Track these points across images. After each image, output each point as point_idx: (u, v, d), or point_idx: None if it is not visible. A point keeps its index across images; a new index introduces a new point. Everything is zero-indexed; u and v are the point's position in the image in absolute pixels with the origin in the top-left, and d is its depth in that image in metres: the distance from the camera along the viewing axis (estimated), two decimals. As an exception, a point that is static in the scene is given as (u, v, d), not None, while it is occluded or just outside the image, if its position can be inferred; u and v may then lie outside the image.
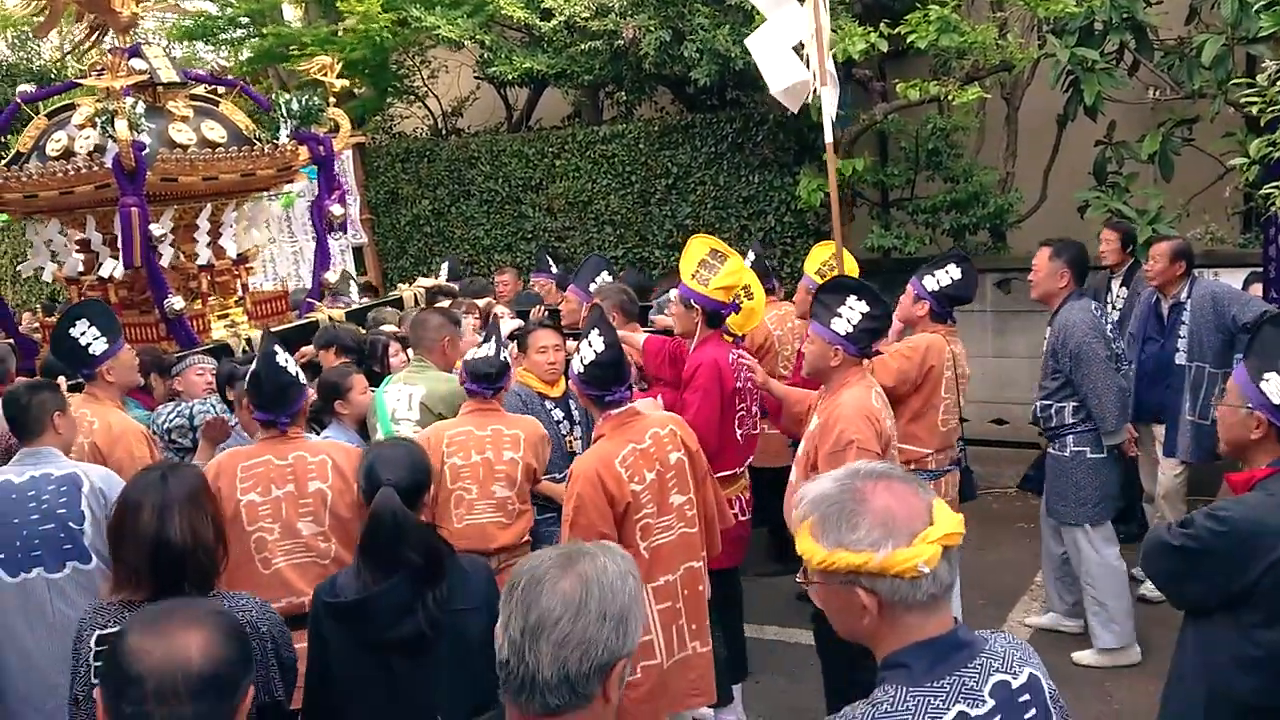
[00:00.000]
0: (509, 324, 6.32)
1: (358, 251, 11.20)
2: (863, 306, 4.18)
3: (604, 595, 1.77)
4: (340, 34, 10.30)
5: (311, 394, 4.49)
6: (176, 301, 6.12)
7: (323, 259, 7.60)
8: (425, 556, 2.87)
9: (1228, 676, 3.00)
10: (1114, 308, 6.91)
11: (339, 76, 7.43)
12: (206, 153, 6.26)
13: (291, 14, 12.24)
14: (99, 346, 4.77)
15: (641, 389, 5.34)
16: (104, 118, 5.76)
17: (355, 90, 10.71)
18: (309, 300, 7.34)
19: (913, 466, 5.00)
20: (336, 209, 7.41)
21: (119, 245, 5.94)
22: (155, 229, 5.98)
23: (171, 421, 5.22)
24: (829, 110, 5.72)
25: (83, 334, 4.77)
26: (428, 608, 2.83)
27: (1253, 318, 5.61)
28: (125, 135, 5.66)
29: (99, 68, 6.24)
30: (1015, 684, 1.88)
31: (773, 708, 5.26)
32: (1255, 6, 6.71)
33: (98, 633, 2.75)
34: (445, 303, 6.74)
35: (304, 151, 7.01)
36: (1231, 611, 2.98)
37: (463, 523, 4.37)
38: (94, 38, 6.76)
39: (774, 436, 5.99)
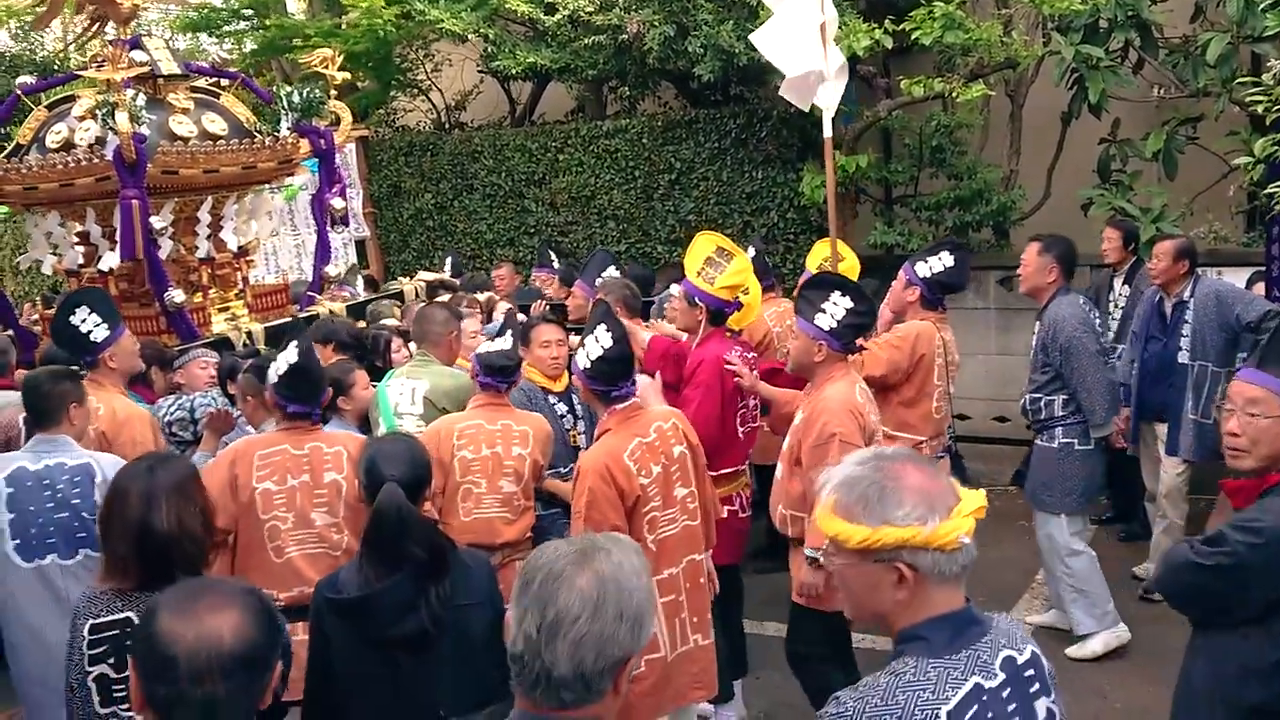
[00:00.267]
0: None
1: (360, 245, 11.18)
2: (846, 303, 4.17)
3: (621, 594, 1.79)
4: (344, 27, 10.28)
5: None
6: (177, 294, 6.10)
7: (323, 252, 7.58)
8: (428, 552, 2.86)
9: (1237, 685, 2.95)
10: (1116, 306, 6.90)
11: (341, 69, 7.41)
12: (207, 145, 6.24)
13: (295, 6, 12.20)
14: (100, 333, 4.78)
15: None
16: (104, 110, 5.73)
17: (358, 83, 10.70)
18: (310, 294, 7.32)
19: (907, 453, 5.00)
20: (338, 202, 7.39)
21: (119, 238, 5.92)
22: (156, 221, 5.96)
23: (172, 414, 5.21)
24: (830, 104, 5.71)
25: (83, 321, 4.78)
26: (431, 604, 2.83)
27: (1256, 317, 5.61)
28: (126, 127, 5.64)
29: (99, 60, 6.22)
30: (1020, 660, 1.99)
31: (772, 703, 5.24)
32: (1261, 5, 6.68)
33: (91, 621, 2.77)
34: (446, 297, 6.73)
35: (305, 144, 6.99)
36: (1261, 623, 2.90)
37: (470, 516, 4.35)
38: (95, 29, 6.73)
39: (769, 434, 5.98)
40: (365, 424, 5.01)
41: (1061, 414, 5.44)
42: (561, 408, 5.16)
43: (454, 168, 10.98)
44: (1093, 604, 5.49)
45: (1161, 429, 6.14)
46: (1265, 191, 5.63)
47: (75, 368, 4.59)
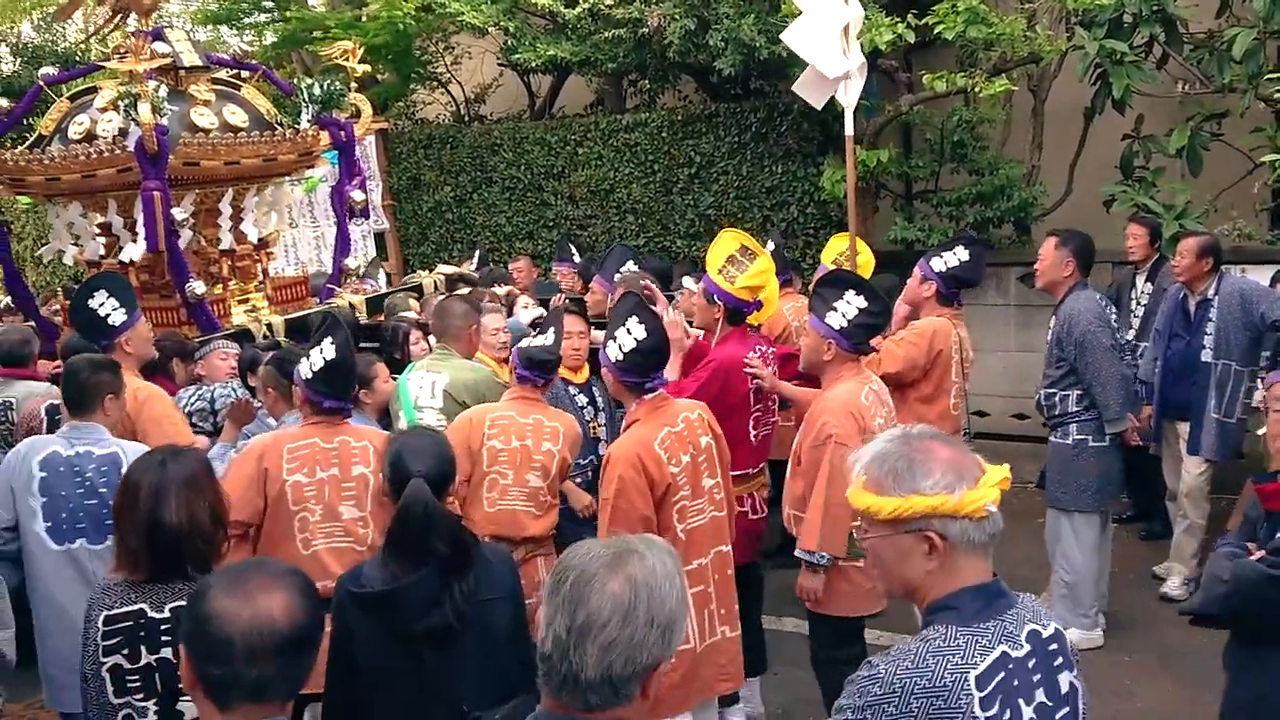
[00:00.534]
0: (530, 312, 6.30)
1: (379, 237, 11.20)
2: (860, 302, 4.14)
3: (652, 600, 1.78)
4: (364, 19, 10.28)
5: None
6: (198, 286, 6.11)
7: (343, 244, 7.59)
8: (452, 548, 2.86)
9: None
10: (1139, 303, 6.86)
11: (361, 62, 7.41)
12: (228, 137, 6.25)
13: (315, -1, 12.26)
14: (118, 317, 4.87)
15: None
16: (127, 101, 5.75)
17: (378, 76, 10.71)
18: (329, 286, 7.33)
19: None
20: (358, 195, 7.39)
21: (139, 229, 5.94)
22: (177, 213, 5.97)
23: (193, 405, 5.23)
24: (850, 102, 5.69)
25: (101, 305, 4.87)
26: (455, 599, 2.82)
27: (1281, 316, 5.59)
28: (148, 119, 5.65)
29: (122, 51, 6.23)
30: (1045, 634, 2.06)
31: (791, 699, 5.23)
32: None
33: (105, 612, 2.77)
34: (465, 290, 6.72)
35: (325, 137, 6.99)
36: None
37: (495, 507, 4.35)
38: (116, 21, 6.74)
39: (790, 429, 5.94)
40: (385, 416, 5.02)
41: (1075, 409, 5.44)
42: (582, 399, 5.17)
43: (473, 161, 10.98)
44: (1077, 603, 5.54)
45: (1183, 428, 6.11)
46: (1290, 189, 5.58)
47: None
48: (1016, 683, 1.97)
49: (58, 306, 7.53)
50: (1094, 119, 8.22)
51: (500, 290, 7.04)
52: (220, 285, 6.58)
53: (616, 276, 6.45)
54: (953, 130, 8.73)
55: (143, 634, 2.74)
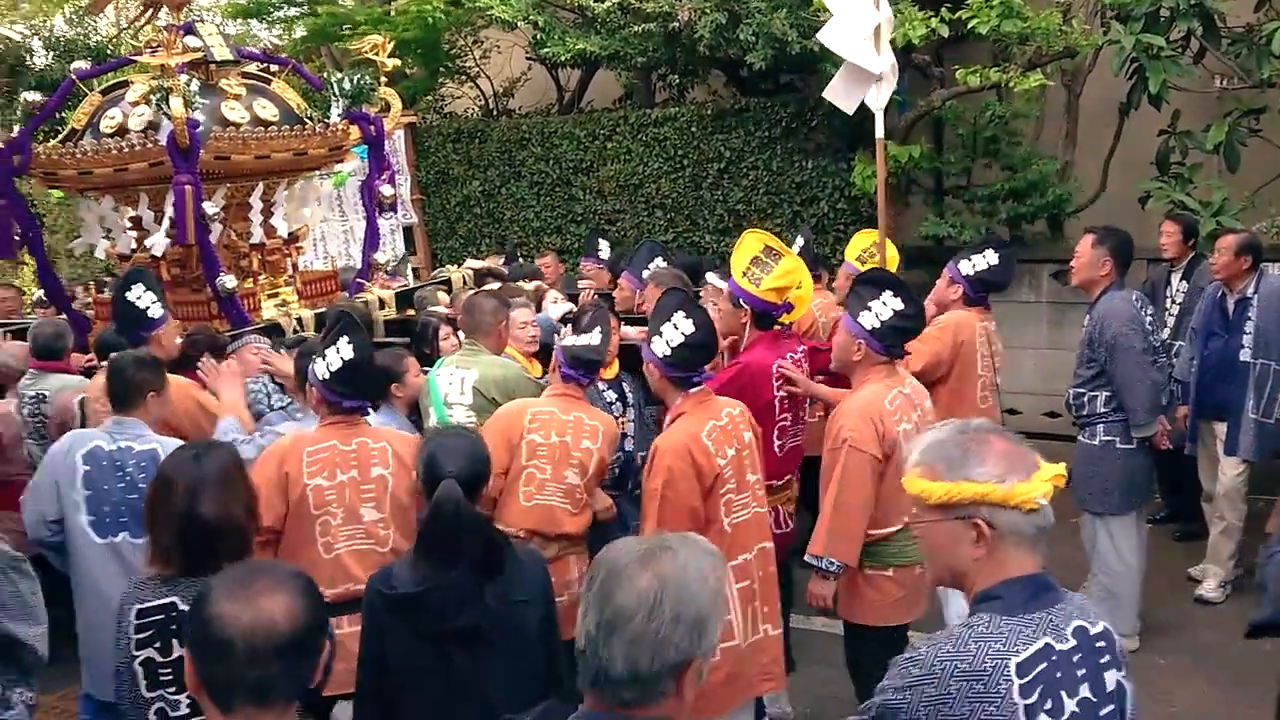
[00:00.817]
0: (559, 307, 6.27)
1: (407, 231, 11.21)
2: (896, 304, 4.06)
3: (680, 596, 1.76)
4: (393, 14, 10.31)
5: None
6: (229, 280, 6.12)
7: (372, 239, 7.59)
8: (484, 549, 2.85)
9: None
10: (1174, 302, 6.78)
11: (390, 56, 7.40)
12: (259, 131, 6.25)
13: (344, -7, 12.26)
14: (156, 310, 5.03)
15: None
16: (158, 95, 5.75)
17: (407, 70, 10.71)
18: (358, 280, 7.33)
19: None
20: (387, 189, 7.38)
21: (170, 222, 5.95)
22: (208, 207, 5.98)
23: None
24: (880, 104, 5.66)
25: (139, 298, 5.00)
26: (486, 600, 2.81)
27: (1322, 315, 5.51)
28: (180, 113, 5.66)
29: (153, 45, 6.24)
30: (1093, 631, 2.07)
31: (818, 699, 5.19)
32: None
33: (137, 606, 2.80)
34: (494, 285, 6.71)
35: (355, 131, 6.98)
36: None
37: (531, 501, 4.30)
38: (148, 15, 6.76)
39: (819, 424, 5.89)
40: (415, 411, 5.00)
41: (1104, 410, 5.37)
42: (611, 395, 5.14)
43: (502, 155, 10.98)
44: (1116, 608, 5.39)
45: (1220, 428, 6.03)
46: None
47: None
48: (1059, 675, 1.98)
49: (90, 300, 7.56)
50: (1129, 114, 8.14)
51: (529, 285, 7.02)
52: (250, 279, 6.59)
53: (645, 272, 6.42)
54: (985, 125, 8.66)
55: (174, 628, 2.76)
